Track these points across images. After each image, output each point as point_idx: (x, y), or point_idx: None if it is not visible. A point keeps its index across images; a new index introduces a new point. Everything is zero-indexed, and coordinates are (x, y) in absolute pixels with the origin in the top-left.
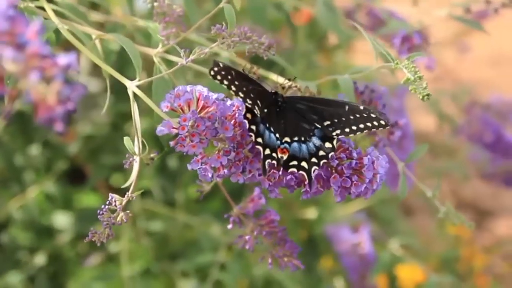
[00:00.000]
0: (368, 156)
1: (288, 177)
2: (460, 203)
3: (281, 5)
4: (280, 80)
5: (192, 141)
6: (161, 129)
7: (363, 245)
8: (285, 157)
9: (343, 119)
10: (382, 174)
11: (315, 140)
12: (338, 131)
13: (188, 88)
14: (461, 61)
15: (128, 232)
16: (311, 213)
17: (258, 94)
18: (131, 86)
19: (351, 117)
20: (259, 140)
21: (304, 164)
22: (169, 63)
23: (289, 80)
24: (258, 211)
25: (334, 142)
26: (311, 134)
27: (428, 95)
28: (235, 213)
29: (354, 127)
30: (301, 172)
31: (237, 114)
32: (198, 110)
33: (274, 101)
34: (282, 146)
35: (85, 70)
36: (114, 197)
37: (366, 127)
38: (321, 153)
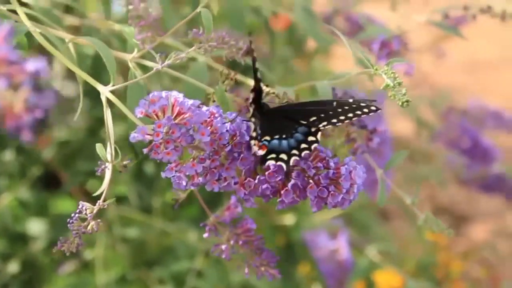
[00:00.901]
0: (346, 166)
1: (264, 186)
2: (436, 208)
3: (259, 10)
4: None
5: (166, 148)
6: (134, 136)
7: (341, 252)
8: (262, 152)
9: (331, 113)
10: (360, 185)
11: (298, 136)
12: (325, 123)
13: (163, 93)
14: (437, 67)
15: (103, 239)
16: (288, 220)
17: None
18: (105, 92)
19: (339, 110)
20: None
21: (283, 155)
22: (145, 68)
23: (267, 86)
24: (235, 219)
25: (318, 136)
26: (294, 131)
27: (407, 101)
28: (211, 222)
29: (342, 117)
30: (278, 163)
31: (214, 121)
32: (173, 116)
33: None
34: (260, 144)
35: (61, 74)
36: (84, 205)
37: (355, 115)
38: (303, 145)
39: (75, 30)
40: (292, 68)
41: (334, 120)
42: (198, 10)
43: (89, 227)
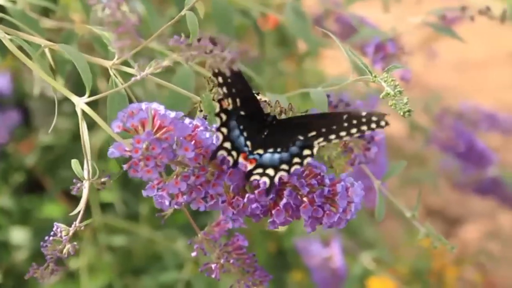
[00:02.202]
0: (342, 183)
1: (254, 205)
2: (428, 211)
3: (247, 11)
4: None
5: (146, 165)
6: (112, 151)
7: (334, 259)
8: (250, 166)
9: (334, 127)
10: (357, 203)
11: (293, 149)
12: (320, 139)
13: (143, 105)
14: (428, 67)
15: (89, 248)
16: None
17: (244, 97)
18: (79, 103)
19: (345, 124)
20: (226, 144)
21: (269, 171)
22: (127, 75)
23: (258, 94)
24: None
25: (314, 150)
26: (290, 145)
27: (409, 111)
28: (199, 240)
29: (342, 133)
30: (263, 179)
31: (198, 134)
32: (154, 130)
33: (261, 117)
34: (251, 157)
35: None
36: (59, 227)
37: (359, 131)
38: (296, 160)
39: (55, 34)
40: (281, 70)
41: (332, 137)
42: (182, 13)
43: (64, 251)
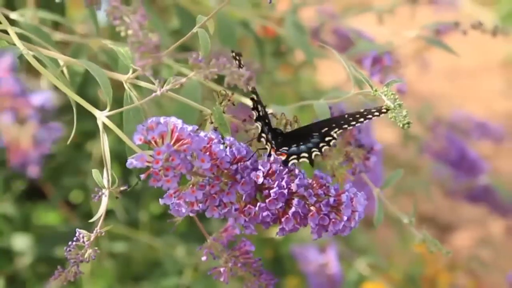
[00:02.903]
0: (347, 193)
1: (265, 213)
2: (420, 218)
3: (247, 23)
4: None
5: (166, 175)
6: (131, 162)
7: (330, 265)
8: (283, 158)
9: (342, 122)
10: (361, 212)
11: (314, 140)
12: (336, 129)
13: (162, 119)
14: (421, 76)
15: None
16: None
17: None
18: (101, 117)
19: (350, 118)
20: (263, 135)
21: (304, 155)
22: (139, 88)
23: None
24: (231, 242)
25: (335, 135)
26: (310, 139)
27: (408, 123)
28: (209, 245)
29: (353, 122)
30: (302, 159)
31: (213, 147)
32: (172, 142)
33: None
34: (279, 151)
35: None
36: (82, 233)
37: (366, 118)
38: (322, 144)
39: (64, 46)
40: (277, 79)
41: (346, 126)
42: (194, 30)
43: (86, 255)
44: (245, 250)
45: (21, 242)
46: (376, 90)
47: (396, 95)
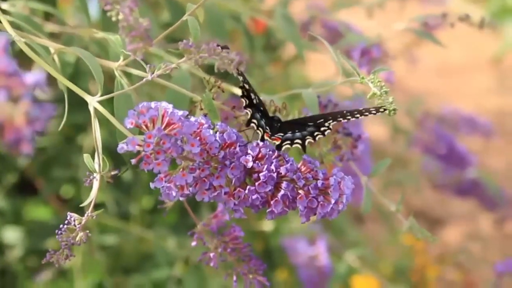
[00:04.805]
0: (334, 177)
1: (254, 196)
2: (410, 212)
3: (238, 16)
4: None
5: (157, 158)
6: (123, 146)
7: (320, 258)
8: (277, 142)
9: (338, 115)
10: (348, 195)
11: (310, 129)
12: (331, 121)
13: (153, 104)
14: (411, 72)
15: (81, 247)
16: (267, 225)
17: (258, 99)
18: (92, 102)
19: (348, 113)
20: (254, 120)
21: (297, 141)
22: (130, 76)
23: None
24: (221, 228)
25: (331, 125)
26: (306, 128)
27: (394, 110)
28: (199, 230)
29: (349, 117)
30: (295, 145)
31: (202, 131)
32: (163, 127)
33: (269, 116)
34: (274, 136)
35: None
36: (73, 216)
37: (363, 115)
38: (317, 133)
39: (55, 37)
40: (268, 74)
41: (341, 119)
42: (184, 18)
43: (77, 238)
44: (234, 236)
45: (11, 235)
46: (363, 78)
47: (383, 82)
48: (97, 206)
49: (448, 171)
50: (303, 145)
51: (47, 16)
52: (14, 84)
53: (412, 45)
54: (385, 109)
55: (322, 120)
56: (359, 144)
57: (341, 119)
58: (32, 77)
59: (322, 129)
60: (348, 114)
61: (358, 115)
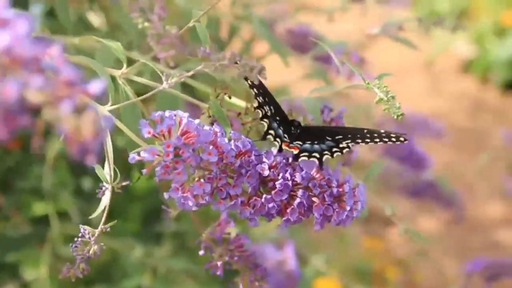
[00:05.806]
0: (348, 184)
1: (271, 204)
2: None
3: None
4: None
5: (176, 168)
6: (134, 156)
7: (288, 262)
8: (296, 152)
9: (358, 135)
10: (363, 201)
11: (328, 143)
12: (349, 141)
13: (167, 113)
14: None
15: (45, 258)
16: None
17: (275, 106)
18: (103, 111)
19: (367, 135)
20: (271, 131)
21: (315, 154)
22: (131, 83)
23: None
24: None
25: (351, 145)
26: (324, 140)
27: (402, 114)
28: (204, 239)
29: (368, 140)
30: (312, 159)
31: (218, 140)
32: (180, 136)
33: (289, 121)
34: (292, 145)
35: None
36: (86, 229)
37: (382, 141)
38: (335, 149)
39: None
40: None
41: (359, 141)
42: (190, 24)
43: (91, 251)
44: (240, 244)
45: None
46: (368, 83)
47: (388, 87)
48: (61, 216)
49: (406, 172)
50: (320, 159)
51: None
52: (78, 94)
53: (359, 49)
54: (405, 139)
55: (341, 137)
56: (354, 150)
57: (359, 141)
58: (95, 86)
59: (341, 146)
60: (368, 136)
61: (377, 140)
